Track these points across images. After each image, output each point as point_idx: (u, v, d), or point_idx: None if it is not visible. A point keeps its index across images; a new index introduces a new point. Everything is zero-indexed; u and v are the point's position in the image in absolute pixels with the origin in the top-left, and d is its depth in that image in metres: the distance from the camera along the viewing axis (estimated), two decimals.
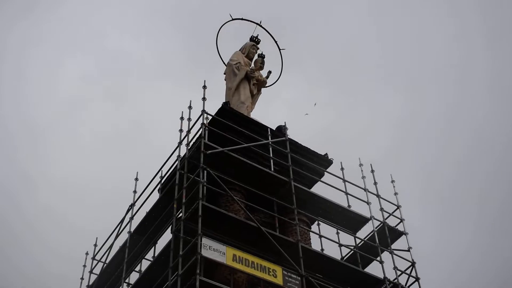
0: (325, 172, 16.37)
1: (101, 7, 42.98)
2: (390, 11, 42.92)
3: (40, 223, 32.77)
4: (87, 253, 17.20)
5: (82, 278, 16.70)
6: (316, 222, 15.95)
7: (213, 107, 15.38)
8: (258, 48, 19.28)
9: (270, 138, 15.45)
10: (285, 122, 16.30)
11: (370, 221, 15.57)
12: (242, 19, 19.20)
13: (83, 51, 42.04)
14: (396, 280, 14.52)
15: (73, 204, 34.85)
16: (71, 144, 39.03)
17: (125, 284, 15.02)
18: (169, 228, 13.86)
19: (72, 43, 42.12)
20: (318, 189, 16.04)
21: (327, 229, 15.83)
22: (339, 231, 15.97)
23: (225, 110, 15.66)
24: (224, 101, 16.50)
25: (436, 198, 36.56)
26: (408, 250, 15.42)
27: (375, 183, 16.47)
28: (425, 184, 37.49)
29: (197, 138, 14.27)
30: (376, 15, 43.18)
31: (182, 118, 14.90)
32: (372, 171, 16.75)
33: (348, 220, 15.63)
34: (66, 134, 39.57)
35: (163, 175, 15.80)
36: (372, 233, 15.43)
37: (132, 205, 15.90)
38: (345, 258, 15.46)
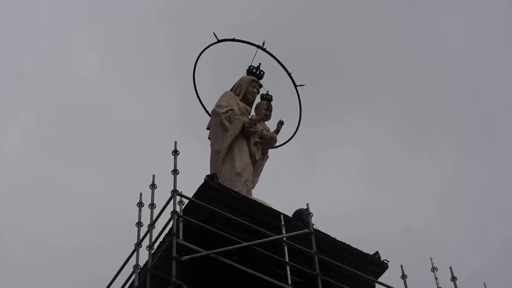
0: (376, 284, 13.18)
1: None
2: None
3: None
4: None
5: None
6: None
7: (190, 184, 12.57)
8: (261, 86, 15.46)
9: (284, 231, 12.30)
10: (307, 205, 12.86)
11: None
12: (233, 39, 15.55)
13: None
14: None
15: None
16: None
17: None
18: None
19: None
20: None
21: None
22: None
23: (211, 187, 12.67)
24: (209, 173, 13.38)
25: None
26: None
27: None
28: None
29: (166, 236, 11.68)
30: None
31: (140, 204, 11.90)
32: (453, 278, 13.13)
33: None
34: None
35: None
36: None
37: None
38: None
